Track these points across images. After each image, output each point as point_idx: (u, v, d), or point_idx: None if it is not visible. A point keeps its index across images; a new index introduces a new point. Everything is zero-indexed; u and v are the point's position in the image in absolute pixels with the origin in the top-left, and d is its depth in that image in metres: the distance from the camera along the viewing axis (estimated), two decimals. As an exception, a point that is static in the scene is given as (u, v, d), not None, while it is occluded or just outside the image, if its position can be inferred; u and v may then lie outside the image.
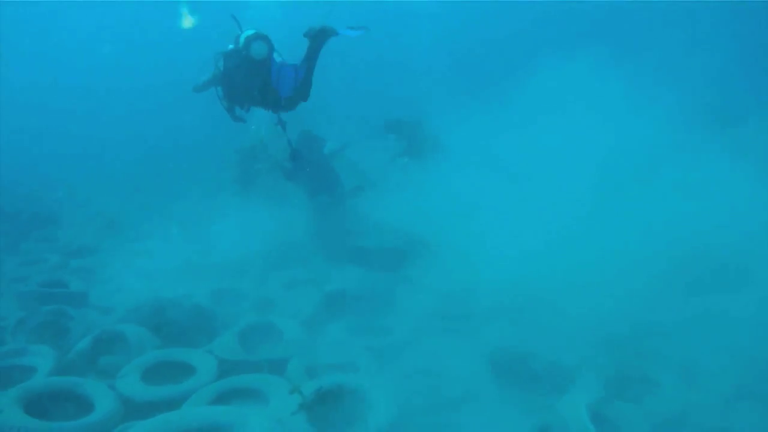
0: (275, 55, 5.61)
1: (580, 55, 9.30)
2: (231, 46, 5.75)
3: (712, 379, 5.39)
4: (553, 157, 8.08)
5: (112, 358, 5.82)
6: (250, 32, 5.50)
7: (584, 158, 7.77)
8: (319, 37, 5.34)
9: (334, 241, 8.54)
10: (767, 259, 6.37)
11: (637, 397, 5.24)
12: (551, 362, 5.67)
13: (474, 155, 8.89)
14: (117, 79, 25.93)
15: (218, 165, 12.48)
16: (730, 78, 10.74)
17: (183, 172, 13.90)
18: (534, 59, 9.75)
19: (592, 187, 7.36)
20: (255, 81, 5.44)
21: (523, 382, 5.56)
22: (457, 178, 8.62)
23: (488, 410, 5.06)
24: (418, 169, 9.41)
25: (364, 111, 14.12)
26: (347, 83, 17.77)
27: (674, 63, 10.08)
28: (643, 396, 5.24)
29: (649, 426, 4.79)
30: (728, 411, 4.97)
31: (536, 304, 6.34)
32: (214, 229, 9.82)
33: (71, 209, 12.54)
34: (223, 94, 5.84)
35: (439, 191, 8.56)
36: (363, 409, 4.72)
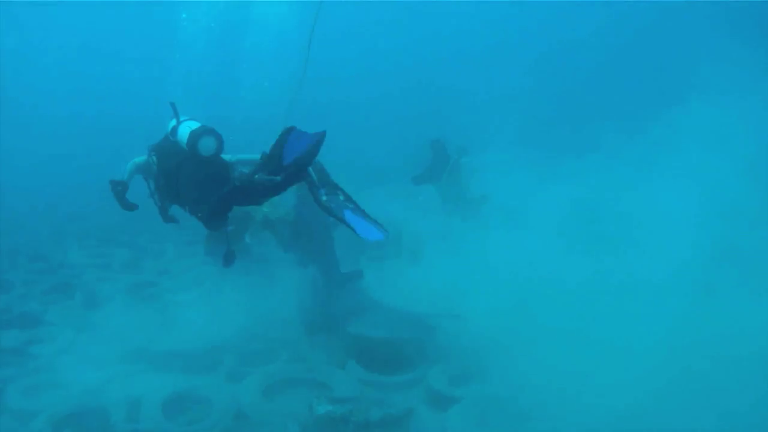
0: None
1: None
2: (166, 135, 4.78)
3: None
4: (643, 222, 6.34)
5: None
6: (195, 125, 4.56)
7: (689, 226, 5.96)
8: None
9: (330, 328, 6.75)
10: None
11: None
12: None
13: (526, 213, 7.17)
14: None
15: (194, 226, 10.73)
16: None
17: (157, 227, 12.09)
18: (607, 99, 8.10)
19: (695, 269, 5.54)
20: (206, 180, 4.47)
21: None
22: (502, 242, 6.85)
23: None
24: (444, 230, 7.71)
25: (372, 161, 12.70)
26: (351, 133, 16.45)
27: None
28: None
29: None
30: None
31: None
32: (182, 298, 8.14)
33: (24, 264, 10.72)
34: (155, 188, 4.90)
35: (475, 261, 6.76)
36: None
